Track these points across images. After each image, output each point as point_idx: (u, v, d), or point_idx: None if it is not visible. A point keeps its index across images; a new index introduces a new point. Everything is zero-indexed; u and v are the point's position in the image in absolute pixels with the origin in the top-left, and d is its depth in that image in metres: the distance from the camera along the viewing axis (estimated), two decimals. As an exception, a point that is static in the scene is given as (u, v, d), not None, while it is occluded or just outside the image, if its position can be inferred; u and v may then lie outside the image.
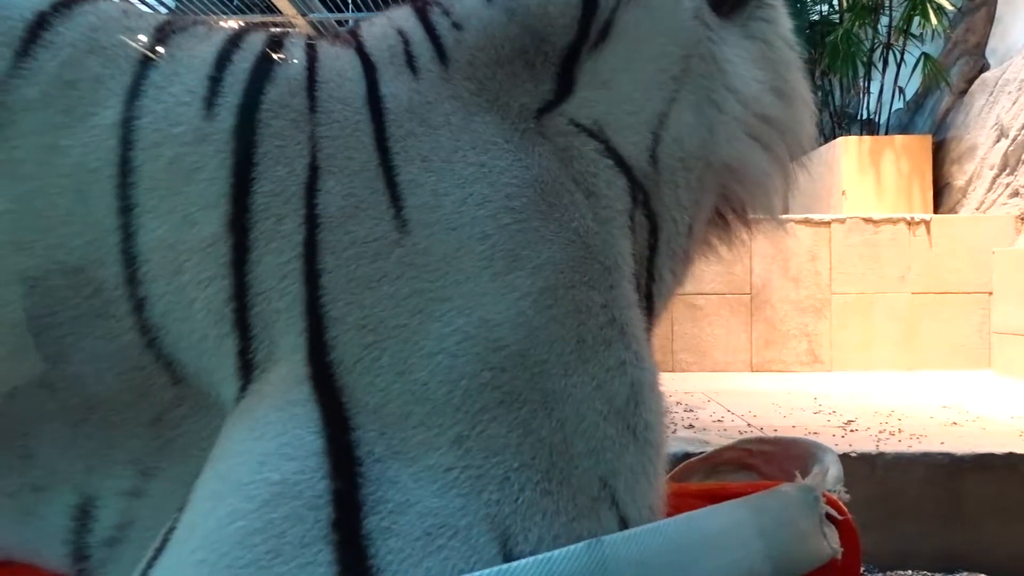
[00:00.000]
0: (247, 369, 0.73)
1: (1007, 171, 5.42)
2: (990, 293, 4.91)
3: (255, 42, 0.86)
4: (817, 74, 6.74)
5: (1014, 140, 5.36)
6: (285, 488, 0.63)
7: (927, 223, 5.10)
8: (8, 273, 0.74)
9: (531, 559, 0.63)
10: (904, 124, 7.00)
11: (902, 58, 6.61)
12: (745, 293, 5.10)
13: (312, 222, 0.74)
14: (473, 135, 0.80)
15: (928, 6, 6.15)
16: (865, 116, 7.23)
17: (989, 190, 5.53)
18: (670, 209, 0.91)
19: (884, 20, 6.63)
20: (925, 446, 2.70)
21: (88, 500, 0.76)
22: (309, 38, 0.90)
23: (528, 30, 0.87)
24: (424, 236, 0.74)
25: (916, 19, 6.32)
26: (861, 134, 6.68)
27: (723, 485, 1.09)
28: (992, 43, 6.32)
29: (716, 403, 3.81)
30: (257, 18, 8.00)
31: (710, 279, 4.91)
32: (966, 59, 6.42)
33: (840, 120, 7.35)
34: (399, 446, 0.67)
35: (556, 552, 0.63)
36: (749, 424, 3.25)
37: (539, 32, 0.87)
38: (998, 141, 5.55)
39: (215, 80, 0.80)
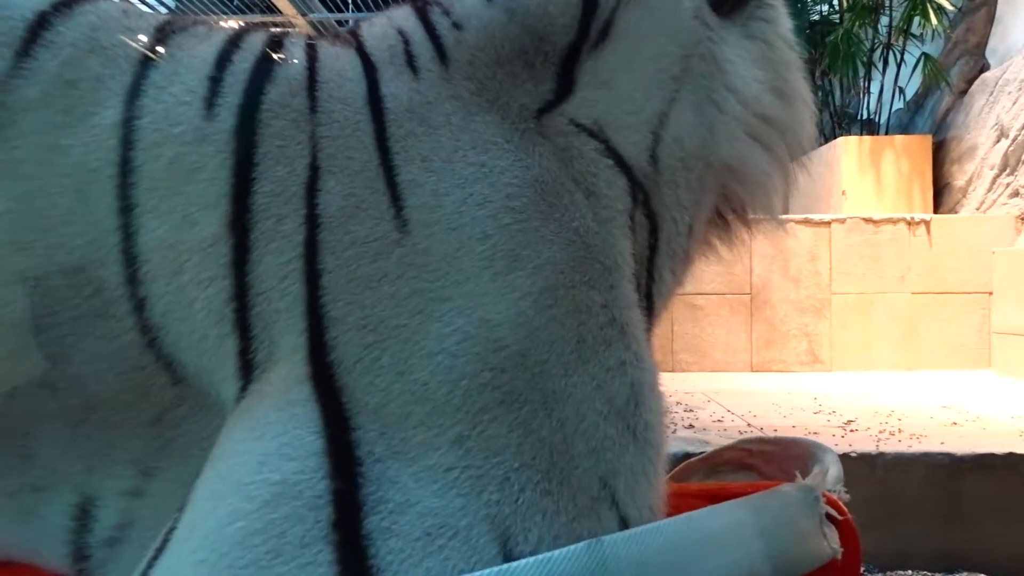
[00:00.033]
0: (247, 369, 0.73)
1: (1007, 171, 5.42)
2: (990, 293, 4.91)
3: (255, 42, 0.86)
4: (817, 74, 6.74)
5: (1014, 140, 5.36)
6: (285, 488, 0.63)
7: (927, 223, 5.10)
8: (8, 273, 0.74)
9: (531, 559, 0.63)
10: (904, 124, 7.00)
11: (902, 58, 6.61)
12: (745, 293, 5.10)
13: (312, 222, 0.74)
14: (473, 135, 0.80)
15: (928, 6, 6.16)
16: (865, 116, 7.23)
17: (989, 190, 5.53)
18: (670, 209, 0.91)
19: (884, 20, 6.63)
20: (925, 446, 2.70)
21: (88, 500, 0.76)
22: (309, 38, 0.90)
23: (528, 30, 0.87)
24: (424, 236, 0.74)
25: (916, 19, 6.32)
26: (861, 134, 6.69)
27: (723, 485, 1.09)
28: (992, 43, 6.32)
29: (716, 403, 3.81)
30: (257, 18, 8.00)
31: (710, 279, 4.91)
32: (966, 59, 6.42)
33: (840, 120, 7.35)
34: (399, 446, 0.67)
35: (556, 552, 0.63)
36: (749, 424, 3.25)
37: (539, 32, 0.87)
38: (998, 141, 5.55)
39: (215, 80, 0.80)
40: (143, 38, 0.83)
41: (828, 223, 5.13)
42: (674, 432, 3.02)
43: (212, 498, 0.66)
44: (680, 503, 0.82)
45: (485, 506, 0.66)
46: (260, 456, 0.66)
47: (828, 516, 0.86)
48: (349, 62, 0.85)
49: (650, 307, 0.91)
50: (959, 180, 5.85)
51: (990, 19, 6.36)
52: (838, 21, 6.92)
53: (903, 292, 5.05)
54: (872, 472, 2.56)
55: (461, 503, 0.65)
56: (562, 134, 0.85)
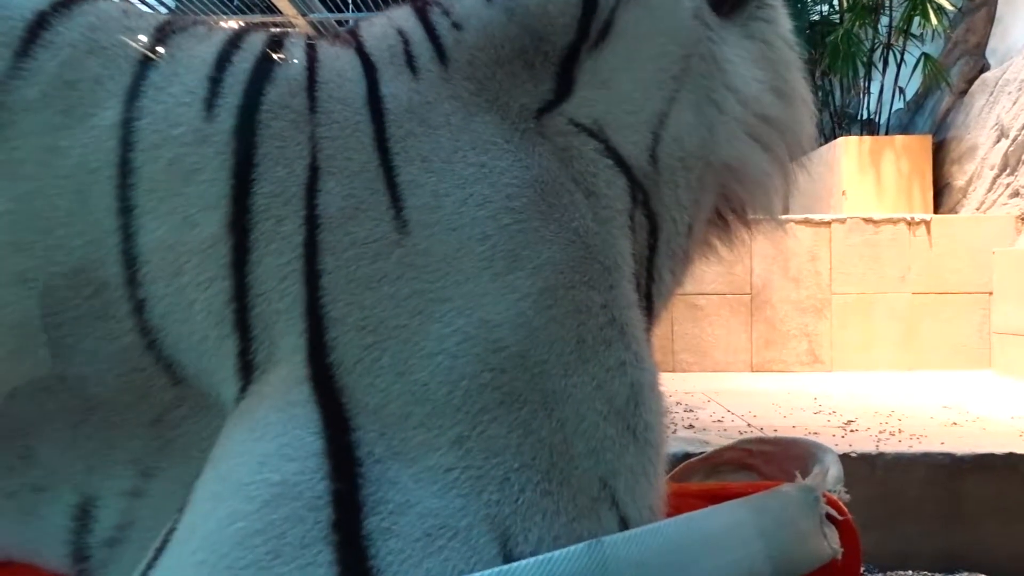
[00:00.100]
0: (247, 370, 0.73)
1: (1007, 171, 5.42)
2: (990, 293, 4.91)
3: (255, 42, 0.86)
4: (817, 74, 6.74)
5: (1014, 140, 5.36)
6: (285, 489, 0.63)
7: (927, 223, 5.10)
8: (8, 274, 0.74)
9: (531, 560, 0.63)
10: (904, 124, 7.00)
11: (902, 58, 6.60)
12: (745, 293, 5.09)
13: (312, 223, 0.74)
14: (473, 135, 0.80)
15: (928, 6, 6.15)
16: (865, 116, 7.23)
17: (989, 190, 5.53)
18: (670, 209, 0.91)
19: (884, 20, 6.63)
20: (925, 446, 2.70)
21: (88, 500, 0.76)
22: (309, 38, 0.90)
23: (528, 30, 0.87)
24: (424, 237, 0.74)
25: (916, 19, 6.31)
26: (861, 134, 6.68)
27: (723, 485, 1.09)
28: (992, 43, 6.32)
29: (716, 403, 3.81)
30: (257, 18, 8.00)
31: (710, 279, 4.91)
32: (966, 59, 6.42)
33: (840, 120, 7.35)
34: (399, 447, 0.67)
35: (556, 553, 0.63)
36: (749, 424, 3.25)
37: (539, 32, 0.87)
38: (998, 141, 5.55)
39: (215, 81, 0.80)
40: (143, 38, 0.83)
41: (828, 223, 5.13)
42: (674, 432, 3.02)
43: (212, 499, 0.66)
44: (680, 503, 0.82)
45: (485, 506, 0.66)
46: (260, 457, 0.66)
47: (828, 516, 0.86)
48: (349, 62, 0.85)
49: (650, 307, 0.91)
50: (959, 180, 5.85)
51: (990, 19, 6.36)
52: (838, 21, 6.92)
53: (903, 292, 5.05)
54: (872, 472, 2.56)
55: (461, 504, 0.65)
56: (562, 134, 0.85)
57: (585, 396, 0.72)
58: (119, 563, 0.74)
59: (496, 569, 0.62)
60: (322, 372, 0.70)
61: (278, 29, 0.97)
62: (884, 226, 5.10)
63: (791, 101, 1.00)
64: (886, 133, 6.66)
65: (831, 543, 0.84)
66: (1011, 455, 2.57)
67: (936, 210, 5.82)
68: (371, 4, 7.68)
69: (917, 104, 6.93)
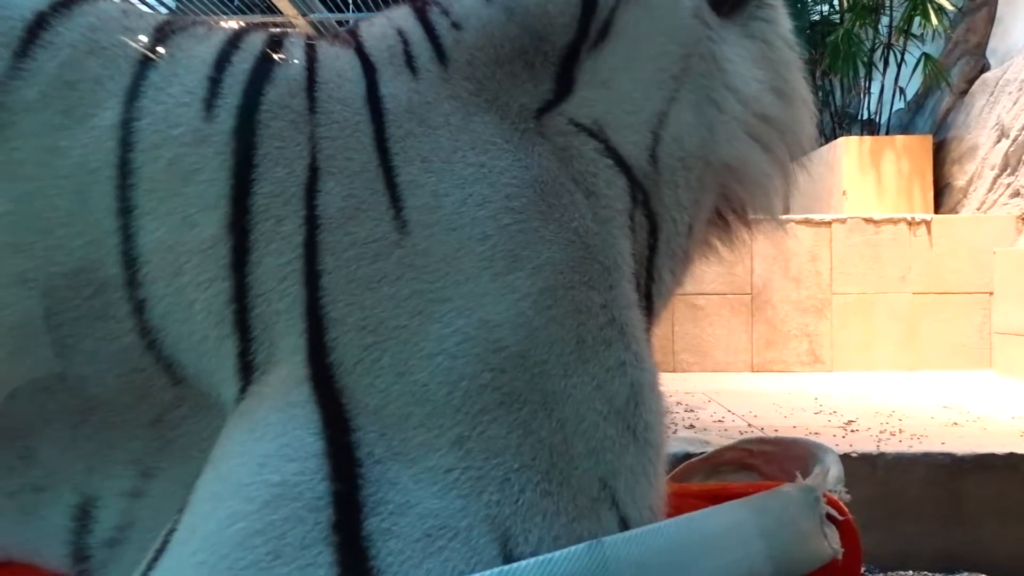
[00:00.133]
0: (247, 370, 0.73)
1: (1008, 171, 5.41)
2: (991, 293, 4.91)
3: (255, 42, 0.86)
4: (818, 74, 6.74)
5: (1015, 140, 5.36)
6: (285, 490, 0.63)
7: (928, 223, 5.10)
8: (8, 275, 0.74)
9: (531, 560, 0.63)
10: (905, 124, 7.00)
11: (903, 58, 6.60)
12: (746, 293, 5.09)
13: (312, 223, 0.74)
14: (473, 135, 0.80)
15: (929, 6, 6.15)
16: (866, 116, 7.23)
17: (990, 190, 5.53)
18: (670, 209, 0.91)
19: (885, 20, 6.63)
20: (926, 446, 2.69)
21: (88, 500, 0.76)
22: (309, 38, 0.90)
23: (527, 30, 0.87)
24: (424, 237, 0.74)
25: (917, 19, 6.31)
26: (862, 134, 6.68)
27: (724, 485, 1.09)
28: (993, 43, 6.31)
29: (717, 403, 3.80)
30: (257, 18, 8.00)
31: (711, 279, 4.91)
32: (967, 59, 6.42)
33: (841, 120, 7.35)
34: (399, 447, 0.67)
35: (557, 553, 0.63)
36: (750, 424, 3.25)
37: (538, 31, 0.87)
38: (999, 141, 5.55)
39: (214, 81, 0.80)
40: (142, 39, 0.83)
41: (829, 223, 5.13)
42: (675, 432, 3.02)
43: (212, 499, 0.66)
44: (681, 503, 0.82)
45: (485, 507, 0.65)
46: (260, 457, 0.66)
47: (829, 516, 0.86)
48: (348, 62, 0.85)
49: (650, 307, 0.91)
50: (960, 180, 5.85)
51: (990, 19, 6.36)
52: (838, 21, 6.92)
53: (904, 292, 5.05)
54: (873, 472, 2.56)
55: (461, 504, 0.65)
56: (561, 134, 0.85)
57: (585, 396, 0.72)
58: (119, 563, 0.74)
59: (496, 570, 0.62)
60: (322, 372, 0.70)
61: (278, 29, 0.97)
62: (884, 226, 5.10)
63: (791, 101, 1.00)
64: (886, 133, 6.66)
65: (832, 543, 0.84)
66: (1012, 455, 2.57)
67: (937, 210, 5.82)
68: (371, 4, 7.68)
69: (918, 104, 6.93)
